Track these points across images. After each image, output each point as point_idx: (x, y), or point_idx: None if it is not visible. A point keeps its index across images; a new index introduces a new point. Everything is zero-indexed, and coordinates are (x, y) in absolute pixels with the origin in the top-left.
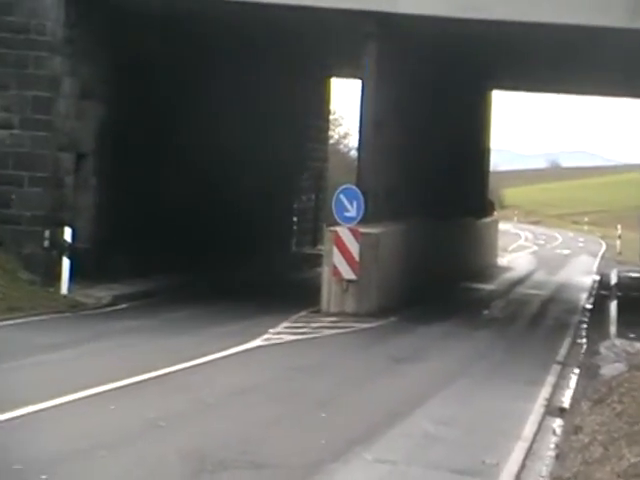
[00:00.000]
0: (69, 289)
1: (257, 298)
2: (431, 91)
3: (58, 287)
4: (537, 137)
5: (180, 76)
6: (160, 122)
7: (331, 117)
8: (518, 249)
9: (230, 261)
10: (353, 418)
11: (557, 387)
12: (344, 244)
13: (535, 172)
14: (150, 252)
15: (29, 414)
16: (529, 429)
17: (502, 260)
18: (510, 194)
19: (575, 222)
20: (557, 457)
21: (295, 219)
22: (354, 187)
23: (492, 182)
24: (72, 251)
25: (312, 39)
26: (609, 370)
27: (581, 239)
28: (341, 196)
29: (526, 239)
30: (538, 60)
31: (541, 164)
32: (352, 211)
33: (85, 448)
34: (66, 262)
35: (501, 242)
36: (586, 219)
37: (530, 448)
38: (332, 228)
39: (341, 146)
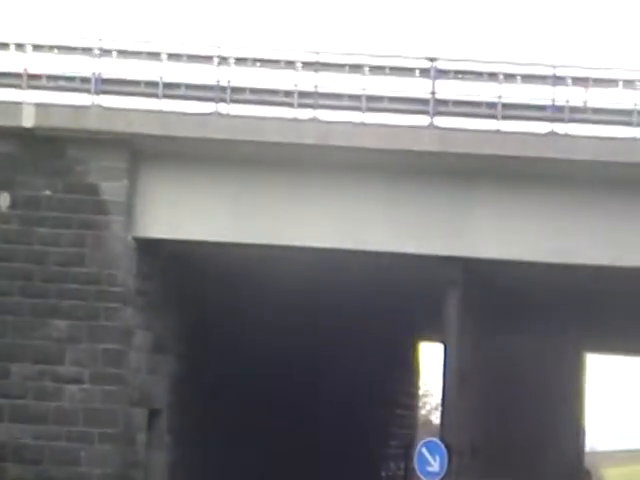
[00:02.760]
0: None
1: None
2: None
3: None
4: None
5: (253, 335)
6: (233, 379)
7: (422, 387)
8: None
9: None
10: None
11: None
12: None
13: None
14: None
15: None
16: None
17: None
18: (613, 474)
19: None
20: None
21: None
22: (437, 440)
23: (593, 461)
24: None
25: (397, 292)
26: None
27: None
28: (423, 450)
29: None
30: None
31: None
32: (435, 466)
33: None
34: None
35: None
36: None
37: None
38: None
39: (432, 417)
